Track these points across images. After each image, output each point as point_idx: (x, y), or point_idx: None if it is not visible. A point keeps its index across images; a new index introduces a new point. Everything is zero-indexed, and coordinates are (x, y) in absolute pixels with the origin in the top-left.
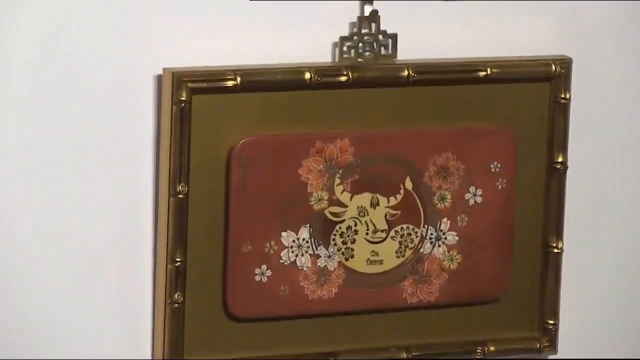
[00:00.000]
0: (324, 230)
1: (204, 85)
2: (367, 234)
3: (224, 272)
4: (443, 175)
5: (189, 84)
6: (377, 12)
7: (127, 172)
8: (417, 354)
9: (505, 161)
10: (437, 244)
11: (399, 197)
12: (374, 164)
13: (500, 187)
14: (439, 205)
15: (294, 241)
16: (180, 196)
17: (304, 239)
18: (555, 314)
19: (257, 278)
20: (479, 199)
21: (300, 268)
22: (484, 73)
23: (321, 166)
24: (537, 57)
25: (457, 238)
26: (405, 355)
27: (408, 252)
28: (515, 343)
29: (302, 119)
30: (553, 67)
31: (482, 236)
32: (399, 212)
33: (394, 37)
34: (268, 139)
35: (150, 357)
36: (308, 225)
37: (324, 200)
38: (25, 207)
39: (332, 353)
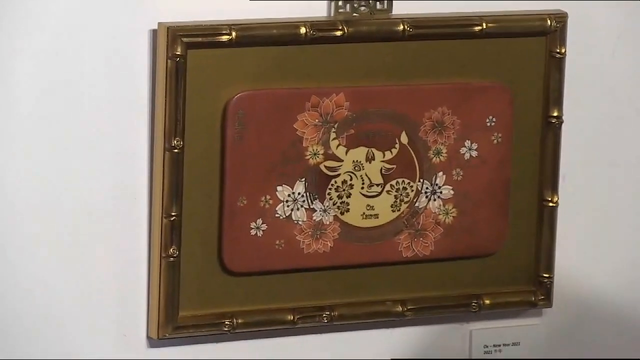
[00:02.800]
0: (319, 184)
1: (199, 40)
2: (362, 188)
3: (219, 227)
4: (438, 130)
5: (184, 39)
6: None
7: (122, 126)
8: (412, 307)
9: (500, 116)
10: (432, 197)
11: (395, 151)
12: (369, 118)
13: (495, 141)
14: (434, 159)
15: (289, 195)
16: (176, 150)
17: (299, 193)
18: (550, 268)
19: (253, 232)
20: (474, 153)
21: (296, 222)
22: (480, 28)
23: (317, 121)
24: (533, 12)
25: (452, 192)
26: (401, 309)
27: (403, 206)
28: (511, 297)
29: (297, 74)
30: (549, 21)
31: (477, 190)
32: (395, 166)
33: None
34: (263, 93)
35: (145, 311)
36: (303, 179)
37: (319, 154)
38: (21, 162)
39: (328, 307)
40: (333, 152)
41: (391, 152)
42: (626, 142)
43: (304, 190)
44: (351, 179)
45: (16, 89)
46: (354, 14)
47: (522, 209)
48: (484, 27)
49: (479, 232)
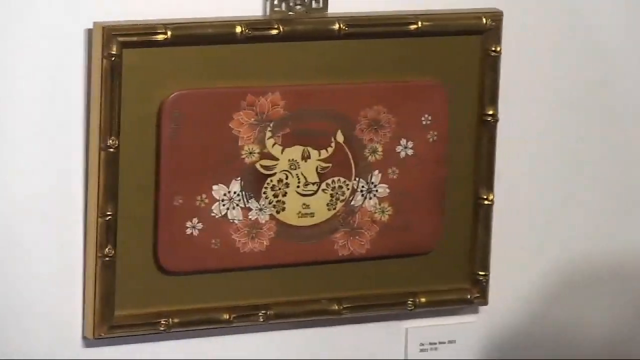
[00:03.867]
0: (255, 183)
1: (135, 39)
2: (298, 186)
3: (155, 226)
4: (374, 128)
5: (120, 38)
6: None
7: (58, 126)
8: (348, 305)
9: (436, 114)
10: (368, 196)
11: (330, 150)
12: (305, 117)
13: (431, 139)
14: (370, 157)
15: (225, 194)
16: (111, 150)
17: (235, 192)
18: (485, 266)
19: (189, 231)
20: (410, 152)
21: (232, 221)
22: (415, 26)
23: (252, 120)
24: (468, 10)
25: (388, 190)
26: (337, 307)
27: (339, 205)
28: (447, 294)
29: (233, 73)
30: (484, 20)
31: (413, 188)
32: (330, 165)
33: None
34: (199, 92)
35: (81, 310)
36: (239, 178)
37: (255, 153)
38: None
39: (264, 305)
40: (269, 151)
41: (327, 150)
42: (561, 140)
43: (239, 189)
44: (287, 178)
45: None
46: (290, 13)
47: (457, 207)
48: (420, 25)
49: (414, 231)
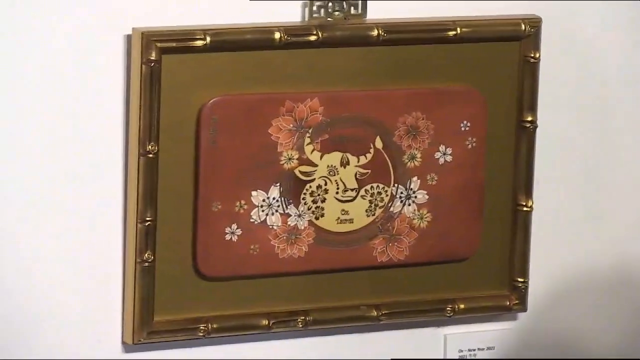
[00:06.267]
0: (294, 189)
1: (174, 45)
2: (337, 193)
3: (194, 231)
4: (413, 135)
5: (158, 44)
6: None
7: (97, 132)
8: (387, 311)
9: (474, 120)
10: (407, 202)
11: (369, 156)
12: (343, 123)
13: (470, 146)
14: (409, 164)
15: (264, 200)
16: (150, 155)
17: (274, 198)
18: (524, 272)
19: (227, 237)
20: (448, 158)
21: (271, 227)
22: (454, 33)
23: (291, 126)
24: (507, 17)
25: (427, 197)
26: (375, 314)
27: (378, 211)
28: (485, 301)
29: (271, 79)
30: (523, 26)
31: (452, 195)
32: (369, 171)
33: None
34: (238, 98)
35: (120, 316)
36: (278, 184)
37: (294, 159)
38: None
39: (302, 311)
40: (307, 157)
41: (366, 157)
42: (600, 146)
43: (278, 195)
44: (326, 184)
45: None
46: (328, 19)
47: (496, 213)
48: (458, 31)
49: (453, 237)
